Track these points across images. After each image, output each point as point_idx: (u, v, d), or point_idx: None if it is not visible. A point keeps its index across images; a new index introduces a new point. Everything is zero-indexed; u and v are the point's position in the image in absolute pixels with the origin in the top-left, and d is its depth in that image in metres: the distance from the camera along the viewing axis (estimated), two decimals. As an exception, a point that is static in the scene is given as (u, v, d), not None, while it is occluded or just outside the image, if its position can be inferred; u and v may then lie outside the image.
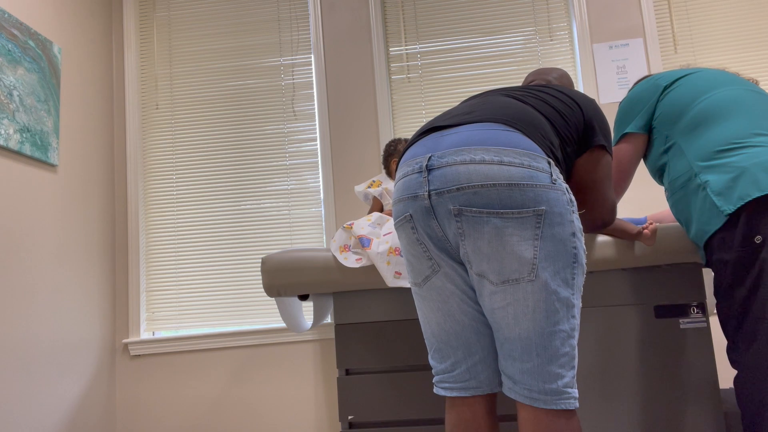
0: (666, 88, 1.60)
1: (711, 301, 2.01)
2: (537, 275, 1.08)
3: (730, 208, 1.35)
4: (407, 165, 1.20)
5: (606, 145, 1.35)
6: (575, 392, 1.11)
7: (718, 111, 1.48)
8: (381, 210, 2.10)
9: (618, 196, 1.63)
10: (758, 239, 1.31)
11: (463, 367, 1.21)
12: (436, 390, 1.27)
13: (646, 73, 2.73)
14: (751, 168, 1.35)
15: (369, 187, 2.11)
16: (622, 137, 1.64)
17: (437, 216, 1.14)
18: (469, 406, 1.22)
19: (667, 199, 1.62)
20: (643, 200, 2.65)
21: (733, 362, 1.40)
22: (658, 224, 1.63)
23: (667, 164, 1.58)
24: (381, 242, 1.69)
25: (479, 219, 1.09)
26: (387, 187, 2.07)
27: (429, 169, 1.14)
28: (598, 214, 1.39)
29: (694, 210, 1.46)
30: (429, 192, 1.13)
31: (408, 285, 1.62)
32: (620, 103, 1.70)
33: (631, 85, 1.97)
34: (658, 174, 1.67)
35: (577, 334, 1.13)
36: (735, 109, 1.47)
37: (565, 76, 1.66)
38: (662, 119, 1.57)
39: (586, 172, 1.35)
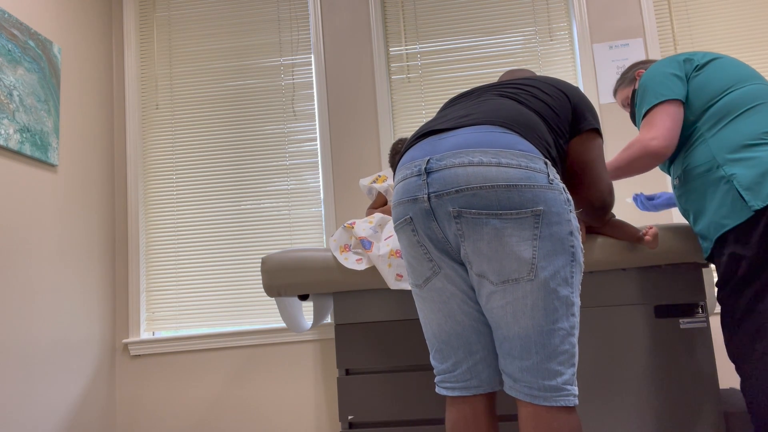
0: (698, 67, 1.54)
1: (711, 301, 2.01)
2: (536, 275, 1.09)
3: (759, 204, 1.33)
4: (406, 168, 1.21)
5: (597, 128, 1.35)
6: (575, 389, 1.12)
7: (747, 104, 1.45)
8: (385, 204, 2.10)
9: (671, 147, 1.50)
10: None
11: (464, 366, 1.22)
12: (438, 390, 1.28)
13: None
14: None
15: (374, 182, 2.11)
16: (665, 102, 1.51)
17: (437, 218, 1.15)
18: (470, 404, 1.23)
19: (675, 188, 1.58)
20: (643, 200, 2.65)
21: (735, 356, 1.39)
22: (658, 228, 1.63)
23: (685, 151, 1.54)
24: (382, 245, 1.70)
25: (478, 220, 1.10)
26: (392, 183, 2.08)
27: (428, 172, 1.15)
28: (597, 194, 1.34)
29: (710, 202, 1.44)
30: (429, 195, 1.14)
31: (410, 287, 1.62)
32: (648, 70, 1.60)
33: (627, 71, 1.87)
34: (669, 160, 1.62)
35: (577, 332, 1.14)
36: (763, 105, 1.44)
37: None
38: (690, 102, 1.52)
39: (579, 154, 1.33)
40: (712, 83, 1.50)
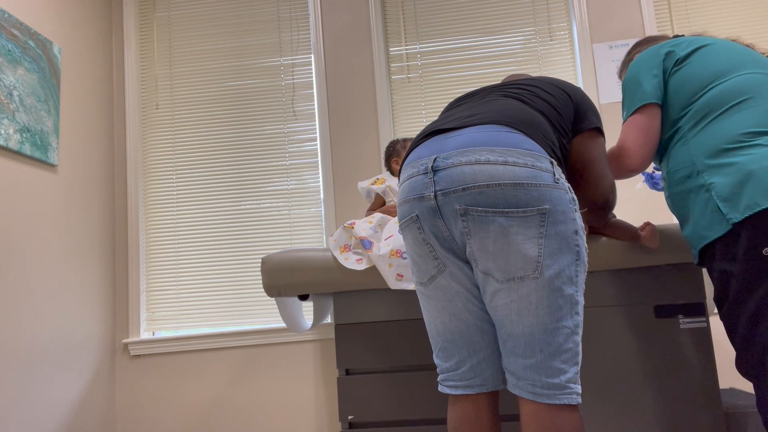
0: (679, 61, 1.45)
1: (711, 301, 2.02)
2: (541, 273, 1.10)
3: (736, 217, 1.24)
4: (412, 167, 1.22)
5: (599, 126, 1.35)
6: (578, 388, 1.12)
7: (729, 101, 1.35)
8: (383, 205, 2.11)
9: (646, 162, 1.49)
10: (767, 251, 1.21)
11: (467, 365, 1.23)
12: (440, 388, 1.28)
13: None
14: (758, 172, 1.23)
15: (372, 184, 2.12)
16: (642, 107, 1.46)
17: (443, 216, 1.15)
18: (472, 403, 1.23)
19: (663, 189, 1.53)
20: (642, 198, 2.65)
21: (747, 375, 1.33)
22: (657, 227, 1.63)
23: (668, 152, 1.47)
24: (383, 245, 1.70)
25: (485, 218, 1.10)
26: (390, 184, 2.08)
27: (435, 170, 1.16)
28: (599, 192, 1.34)
29: (692, 209, 1.37)
30: (435, 192, 1.15)
31: (410, 287, 1.62)
32: (629, 66, 1.54)
33: (630, 50, 1.79)
34: (657, 159, 1.56)
35: (581, 331, 1.14)
36: (748, 100, 1.33)
37: None
38: (672, 99, 1.44)
39: (582, 153, 1.33)
40: (694, 77, 1.41)
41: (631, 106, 1.49)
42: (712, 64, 1.41)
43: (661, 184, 1.81)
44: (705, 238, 1.33)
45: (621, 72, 1.82)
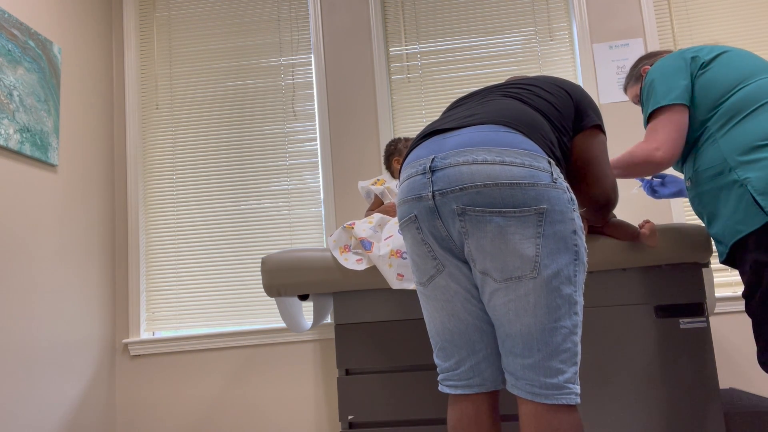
0: (704, 65, 1.49)
1: (711, 301, 2.01)
2: (539, 273, 1.10)
3: None
4: (411, 167, 1.22)
5: (600, 124, 1.35)
6: (577, 388, 1.12)
7: (757, 101, 1.39)
8: (381, 206, 2.11)
9: (673, 159, 1.50)
10: None
11: (467, 365, 1.23)
12: (441, 388, 1.28)
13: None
14: None
15: (373, 184, 2.12)
16: (675, 106, 1.48)
17: (441, 216, 1.16)
18: (472, 402, 1.24)
19: (687, 189, 1.55)
20: (642, 198, 2.65)
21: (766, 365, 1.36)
22: (657, 226, 1.63)
23: (695, 152, 1.50)
24: (383, 245, 1.70)
25: (482, 218, 1.11)
26: (389, 186, 2.09)
27: (432, 170, 1.16)
28: (601, 191, 1.33)
29: (724, 206, 1.40)
30: (433, 192, 1.15)
31: (411, 287, 1.62)
32: (653, 69, 1.57)
33: (632, 66, 1.83)
34: (680, 161, 1.58)
35: (579, 331, 1.14)
36: None
37: None
38: (698, 101, 1.48)
39: (583, 151, 1.33)
40: (720, 80, 1.46)
41: (660, 101, 1.50)
42: (736, 68, 1.46)
43: (661, 190, 1.83)
44: (739, 231, 1.36)
45: (627, 85, 1.82)
